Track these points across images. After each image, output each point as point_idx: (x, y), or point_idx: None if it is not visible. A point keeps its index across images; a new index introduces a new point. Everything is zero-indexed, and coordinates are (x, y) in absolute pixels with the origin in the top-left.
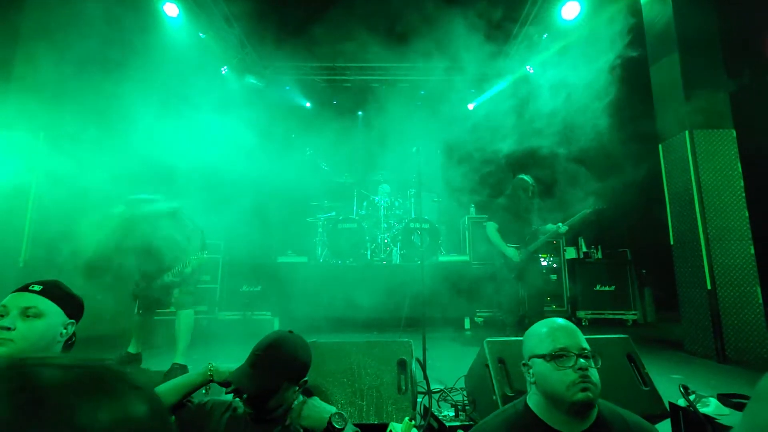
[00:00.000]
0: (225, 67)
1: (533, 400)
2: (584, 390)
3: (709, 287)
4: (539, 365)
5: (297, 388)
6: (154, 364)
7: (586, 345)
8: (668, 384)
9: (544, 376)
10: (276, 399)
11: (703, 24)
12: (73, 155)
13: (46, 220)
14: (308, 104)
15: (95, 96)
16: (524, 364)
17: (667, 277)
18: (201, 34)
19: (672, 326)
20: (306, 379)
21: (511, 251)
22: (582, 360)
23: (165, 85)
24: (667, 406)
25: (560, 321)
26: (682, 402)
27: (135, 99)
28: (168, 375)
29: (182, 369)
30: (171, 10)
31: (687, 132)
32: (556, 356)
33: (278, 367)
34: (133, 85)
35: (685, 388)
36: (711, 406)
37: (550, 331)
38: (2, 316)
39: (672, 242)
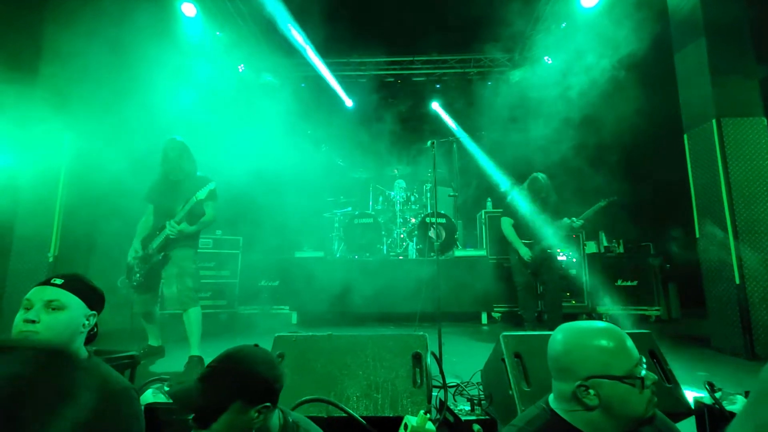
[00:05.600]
0: (242, 65)
1: (579, 417)
2: (655, 404)
3: (737, 282)
4: (613, 388)
5: (256, 414)
6: (176, 357)
7: None
8: (694, 381)
9: (623, 400)
10: (223, 422)
11: (730, 8)
12: (98, 153)
13: (75, 216)
14: (323, 99)
15: (119, 95)
16: (582, 386)
17: (693, 271)
18: (217, 33)
19: (698, 322)
20: (268, 404)
21: (524, 249)
22: (652, 374)
23: (184, 82)
24: (692, 403)
25: (610, 327)
26: (707, 399)
27: (156, 97)
28: (187, 366)
29: (200, 360)
30: (189, 10)
31: (714, 121)
32: (637, 377)
33: (229, 382)
34: (154, 83)
35: (711, 385)
36: (738, 404)
37: (618, 344)
38: (27, 309)
39: (698, 235)
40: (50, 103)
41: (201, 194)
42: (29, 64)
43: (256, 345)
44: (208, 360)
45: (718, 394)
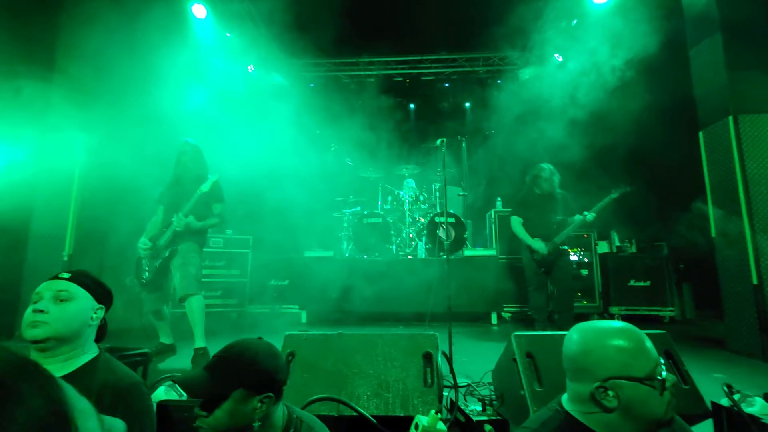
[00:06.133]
0: (251, 66)
1: (595, 420)
2: (675, 407)
3: (755, 282)
4: (634, 389)
5: (258, 404)
6: (187, 355)
7: None
8: (710, 383)
9: (643, 402)
10: (225, 409)
11: (746, 3)
12: (112, 153)
13: (89, 216)
14: (332, 100)
15: (131, 95)
16: (601, 388)
17: (708, 271)
18: (227, 34)
19: (713, 323)
20: (271, 394)
21: (538, 243)
22: (672, 375)
23: (195, 83)
24: (709, 405)
25: (628, 326)
26: (725, 401)
27: (167, 97)
28: (193, 360)
29: (204, 352)
30: (199, 11)
31: (730, 117)
32: (658, 379)
33: (231, 370)
34: (165, 84)
35: (729, 387)
36: (756, 406)
37: (638, 345)
38: (36, 302)
39: (713, 234)
40: (65, 102)
41: (204, 187)
42: (46, 63)
43: (260, 338)
44: (213, 352)
45: (736, 396)
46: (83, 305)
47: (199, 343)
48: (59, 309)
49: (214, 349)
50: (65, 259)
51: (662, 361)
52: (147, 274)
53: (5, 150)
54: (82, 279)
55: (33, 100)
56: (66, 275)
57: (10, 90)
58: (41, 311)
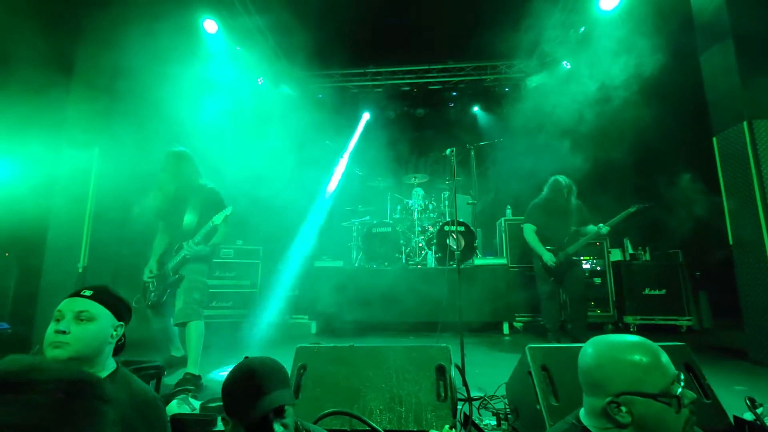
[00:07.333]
0: (261, 78)
1: None
2: (694, 424)
3: None
4: (647, 406)
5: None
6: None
7: None
8: (732, 396)
9: (658, 419)
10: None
11: (757, 7)
12: (126, 165)
13: (104, 228)
14: (340, 110)
15: (144, 108)
16: (613, 403)
17: (726, 279)
18: (237, 48)
19: (733, 333)
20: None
21: (547, 255)
22: (690, 392)
23: (207, 97)
24: (731, 420)
25: (644, 341)
26: (748, 416)
27: (181, 111)
28: (180, 384)
29: (194, 379)
30: (210, 26)
31: (745, 123)
32: (673, 396)
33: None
34: (179, 98)
35: (752, 400)
36: None
37: (652, 360)
38: (58, 320)
39: (731, 242)
40: (81, 114)
41: (217, 219)
42: (65, 72)
43: (246, 357)
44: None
45: (759, 410)
46: (103, 324)
47: (191, 368)
48: (80, 329)
49: (224, 360)
50: (80, 270)
51: (681, 376)
52: (153, 296)
53: (22, 162)
54: (103, 296)
55: (50, 111)
56: (88, 293)
57: (30, 99)
58: (63, 332)
